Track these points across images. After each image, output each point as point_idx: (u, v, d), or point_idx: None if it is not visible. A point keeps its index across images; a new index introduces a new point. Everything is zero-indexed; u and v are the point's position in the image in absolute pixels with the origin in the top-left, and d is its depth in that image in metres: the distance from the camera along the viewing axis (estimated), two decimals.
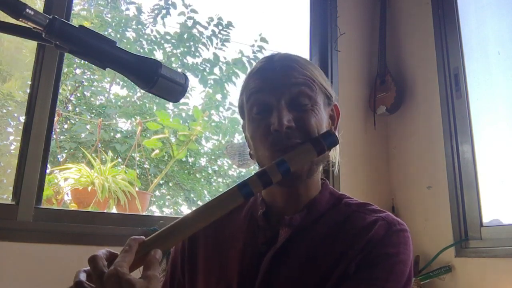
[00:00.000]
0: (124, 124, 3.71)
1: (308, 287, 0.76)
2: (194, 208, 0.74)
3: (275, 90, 0.81)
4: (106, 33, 3.64)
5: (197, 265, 0.89)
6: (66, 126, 3.57)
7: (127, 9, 4.01)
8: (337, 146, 0.86)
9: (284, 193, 0.84)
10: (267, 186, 0.73)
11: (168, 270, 0.95)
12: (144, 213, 2.28)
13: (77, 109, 3.70)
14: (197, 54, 3.92)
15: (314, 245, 0.79)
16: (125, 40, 3.80)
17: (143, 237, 0.68)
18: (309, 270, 0.77)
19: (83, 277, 0.63)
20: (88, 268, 0.63)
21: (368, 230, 0.77)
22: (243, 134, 0.95)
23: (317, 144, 0.76)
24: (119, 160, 3.24)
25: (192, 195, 3.72)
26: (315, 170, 0.83)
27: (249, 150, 0.90)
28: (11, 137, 3.08)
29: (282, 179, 0.73)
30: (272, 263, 0.79)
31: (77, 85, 3.74)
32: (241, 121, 0.94)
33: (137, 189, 2.40)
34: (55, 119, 1.93)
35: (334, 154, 0.89)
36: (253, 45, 3.95)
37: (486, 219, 1.97)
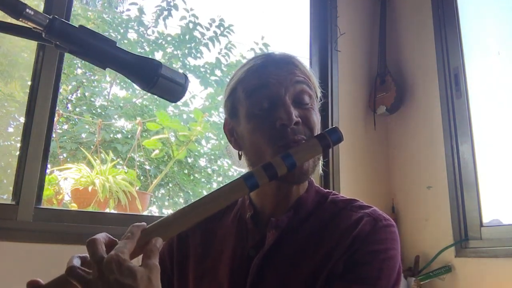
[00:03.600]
0: (124, 124, 3.71)
1: None
2: None
3: (281, 86, 0.80)
4: (107, 34, 3.64)
5: (187, 269, 0.88)
6: (66, 127, 3.57)
7: (128, 9, 4.01)
8: None
9: (275, 193, 0.83)
10: (272, 179, 0.71)
11: None
12: (144, 213, 2.28)
13: (77, 109, 3.71)
14: (199, 55, 3.93)
15: (301, 245, 0.79)
16: (126, 41, 3.80)
17: (145, 223, 0.65)
18: (297, 271, 0.77)
19: (76, 262, 0.59)
20: (83, 254, 0.60)
21: (354, 227, 0.77)
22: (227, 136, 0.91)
23: (322, 139, 0.75)
24: (119, 160, 3.24)
25: (191, 196, 3.72)
26: (316, 167, 0.83)
27: (238, 151, 0.87)
28: (12, 137, 3.09)
29: (287, 174, 0.72)
30: (261, 266, 0.79)
31: (78, 85, 3.75)
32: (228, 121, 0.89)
33: (137, 189, 2.41)
34: (55, 119, 1.93)
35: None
36: (253, 49, 3.95)
37: (486, 219, 1.97)
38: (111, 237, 0.63)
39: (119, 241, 0.61)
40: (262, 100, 0.80)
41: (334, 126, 0.79)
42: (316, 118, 0.83)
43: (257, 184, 0.69)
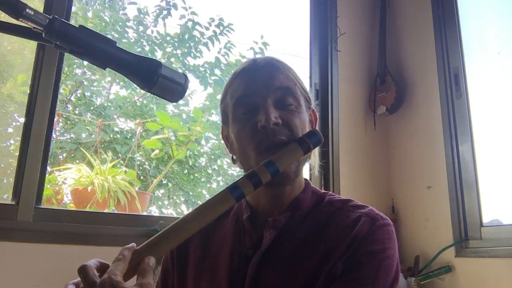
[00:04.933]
0: (124, 125, 3.71)
1: None
2: (193, 208, 0.72)
3: (262, 90, 0.82)
4: (106, 33, 3.64)
5: (187, 271, 0.89)
6: (66, 127, 3.57)
7: (125, 8, 4.01)
8: (316, 150, 0.87)
9: (269, 195, 0.85)
10: (257, 187, 0.72)
11: (159, 278, 0.95)
12: (144, 213, 2.28)
13: (77, 109, 3.70)
14: (198, 55, 3.93)
15: (299, 245, 0.80)
16: (125, 41, 3.80)
17: (134, 244, 0.66)
18: (295, 271, 0.77)
19: None
20: (78, 279, 0.61)
21: (352, 227, 0.78)
22: (223, 141, 0.94)
23: (302, 143, 0.78)
24: (119, 160, 3.24)
25: (191, 196, 3.72)
26: (301, 170, 0.85)
27: (231, 155, 0.90)
28: (12, 138, 3.08)
29: (271, 180, 0.74)
30: (259, 266, 0.80)
31: (77, 85, 3.74)
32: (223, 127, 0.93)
33: (137, 189, 2.40)
34: (55, 119, 1.93)
35: (314, 157, 0.90)
36: (252, 48, 3.95)
37: (486, 219, 1.97)
38: (103, 261, 0.64)
39: (111, 263, 0.62)
40: (246, 104, 0.83)
41: (313, 129, 0.82)
42: (301, 119, 0.84)
43: (243, 194, 0.71)
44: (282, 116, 0.81)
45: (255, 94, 0.82)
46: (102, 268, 0.62)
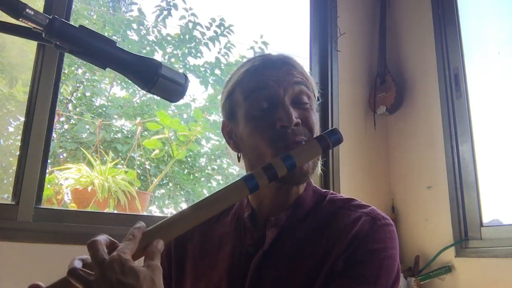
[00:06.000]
0: (124, 125, 3.71)
1: (296, 286, 0.75)
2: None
3: (279, 87, 0.80)
4: (107, 34, 3.64)
5: (185, 268, 0.89)
6: (66, 126, 3.57)
7: (131, 10, 4.02)
8: None
9: (275, 194, 0.84)
10: (272, 180, 0.71)
11: None
12: (144, 213, 2.28)
13: (77, 109, 3.71)
14: (199, 55, 3.93)
15: (300, 244, 0.79)
16: (126, 41, 3.80)
17: (144, 224, 0.65)
18: (296, 269, 0.77)
19: (78, 264, 0.59)
20: (85, 256, 0.60)
21: (353, 226, 0.77)
22: (225, 139, 0.91)
23: (322, 141, 0.75)
24: (120, 160, 3.24)
25: (191, 195, 3.72)
26: (316, 168, 0.84)
27: (237, 154, 0.87)
28: (12, 137, 3.09)
29: (287, 175, 0.72)
30: (260, 264, 0.79)
31: (78, 85, 3.74)
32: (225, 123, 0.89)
33: (137, 189, 2.40)
34: (55, 119, 1.93)
35: None
36: (252, 47, 3.95)
37: (486, 219, 1.97)
38: (112, 239, 0.63)
39: (120, 243, 0.61)
40: (261, 101, 0.80)
41: (333, 128, 0.79)
42: (315, 118, 0.83)
43: (257, 185, 0.69)
44: (299, 115, 0.80)
45: (271, 88, 0.80)
46: (111, 245, 0.61)
